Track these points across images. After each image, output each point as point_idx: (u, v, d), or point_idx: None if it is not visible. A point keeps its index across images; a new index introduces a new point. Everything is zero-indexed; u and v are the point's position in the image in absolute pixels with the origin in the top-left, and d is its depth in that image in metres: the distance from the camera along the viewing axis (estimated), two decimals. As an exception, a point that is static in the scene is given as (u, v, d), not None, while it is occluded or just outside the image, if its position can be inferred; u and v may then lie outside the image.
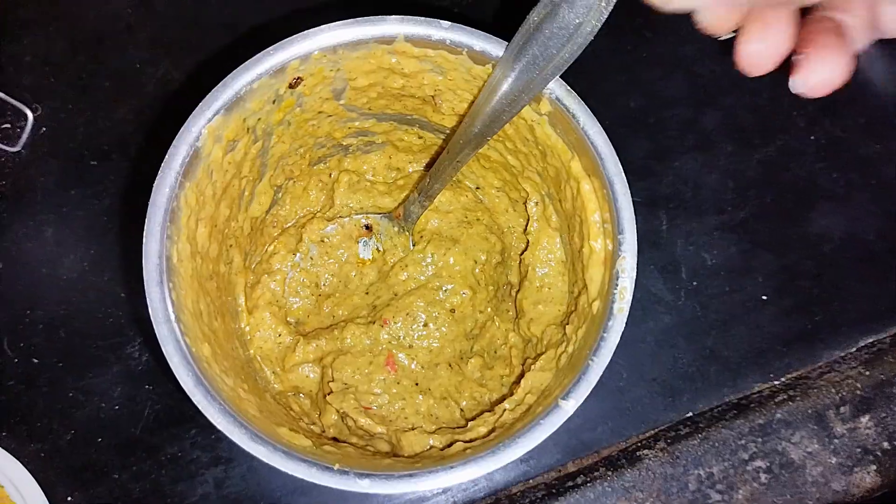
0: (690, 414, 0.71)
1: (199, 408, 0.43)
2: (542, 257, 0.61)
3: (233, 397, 0.46)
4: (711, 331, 0.73)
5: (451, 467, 0.44)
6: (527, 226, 0.62)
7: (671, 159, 0.77)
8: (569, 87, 0.49)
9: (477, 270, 0.64)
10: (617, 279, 0.46)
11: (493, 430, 0.51)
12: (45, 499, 0.66)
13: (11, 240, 0.73)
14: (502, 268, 0.65)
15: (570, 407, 0.44)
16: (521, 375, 0.58)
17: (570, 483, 0.69)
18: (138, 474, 0.68)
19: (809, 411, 0.69)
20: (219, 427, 0.43)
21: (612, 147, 0.48)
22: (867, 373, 0.70)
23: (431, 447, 0.53)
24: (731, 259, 0.74)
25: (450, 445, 0.52)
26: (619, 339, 0.45)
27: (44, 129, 0.76)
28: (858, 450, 0.68)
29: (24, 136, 0.75)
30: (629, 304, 0.46)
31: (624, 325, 0.46)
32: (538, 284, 0.61)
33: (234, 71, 0.49)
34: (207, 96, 0.48)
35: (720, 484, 0.68)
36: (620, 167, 0.48)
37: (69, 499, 0.68)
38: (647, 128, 0.78)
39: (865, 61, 0.78)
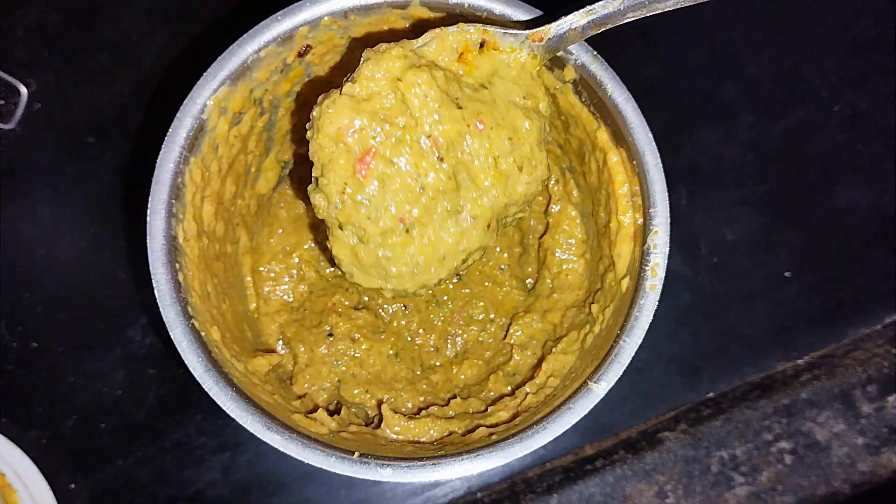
0: (711, 394, 0.69)
1: (211, 395, 0.41)
2: (562, 241, 0.58)
3: (245, 383, 0.44)
4: (732, 308, 0.70)
5: (477, 454, 0.42)
6: (547, 207, 0.60)
7: (690, 131, 0.74)
8: (595, 52, 0.46)
9: (499, 271, 0.62)
10: (648, 255, 0.44)
11: (516, 415, 0.49)
12: (48, 486, 0.64)
13: (7, 220, 0.70)
14: (525, 258, 0.63)
15: (601, 390, 0.42)
16: (542, 359, 0.55)
17: (589, 466, 0.67)
18: (143, 460, 0.67)
19: (835, 390, 0.67)
20: (232, 415, 0.41)
21: (641, 115, 0.45)
22: (894, 350, 0.68)
23: (451, 433, 0.50)
24: (753, 234, 0.72)
25: (471, 431, 0.49)
26: (651, 318, 0.43)
27: (38, 104, 0.73)
28: (886, 429, 0.66)
29: (18, 112, 0.72)
30: (662, 282, 0.44)
31: (657, 303, 0.43)
32: (556, 270, 0.59)
33: (240, 39, 0.46)
34: (212, 66, 0.46)
35: (744, 466, 0.66)
36: (651, 137, 0.45)
37: (72, 486, 0.66)
38: (665, 98, 0.75)
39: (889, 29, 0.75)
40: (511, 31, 0.44)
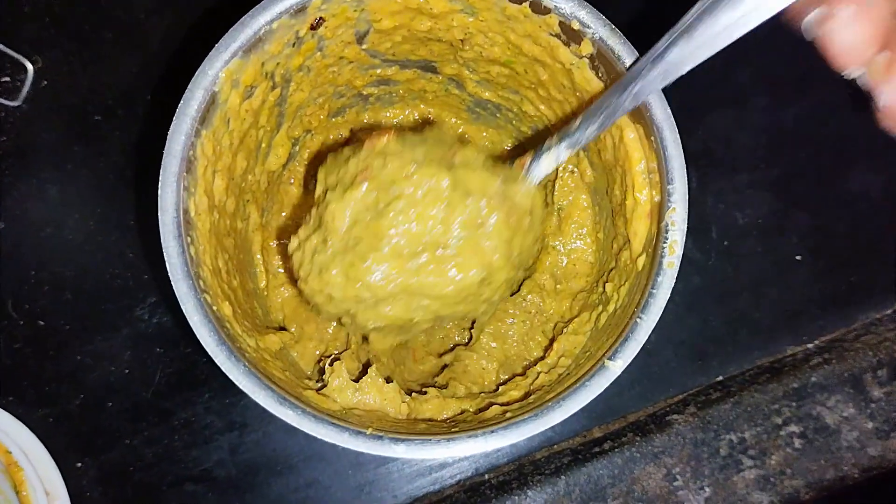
0: (720, 378, 0.68)
1: (224, 370, 0.41)
2: (573, 232, 0.58)
3: (257, 359, 0.44)
4: (743, 292, 0.70)
5: (492, 431, 0.41)
6: (553, 202, 0.59)
7: (702, 114, 0.73)
8: (613, 26, 0.45)
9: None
10: (666, 232, 0.44)
11: (528, 394, 0.49)
12: (55, 465, 0.64)
13: (14, 199, 0.70)
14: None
15: (617, 367, 0.42)
16: (553, 339, 0.55)
17: (597, 448, 0.67)
18: (150, 440, 0.66)
19: (845, 375, 0.67)
20: (245, 390, 0.41)
21: (660, 91, 0.44)
22: (905, 335, 0.68)
23: (464, 411, 0.50)
24: (764, 218, 0.71)
25: (484, 409, 0.49)
26: (668, 295, 0.43)
27: (45, 82, 0.72)
28: (895, 414, 0.66)
29: (25, 89, 0.71)
30: (680, 258, 0.43)
31: (674, 280, 0.43)
32: (564, 261, 0.59)
33: (253, 10, 0.45)
34: (224, 37, 0.45)
35: (752, 449, 0.66)
36: (669, 112, 0.45)
37: (79, 465, 0.66)
38: (677, 81, 0.73)
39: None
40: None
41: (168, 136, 0.44)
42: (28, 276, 0.68)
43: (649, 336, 0.68)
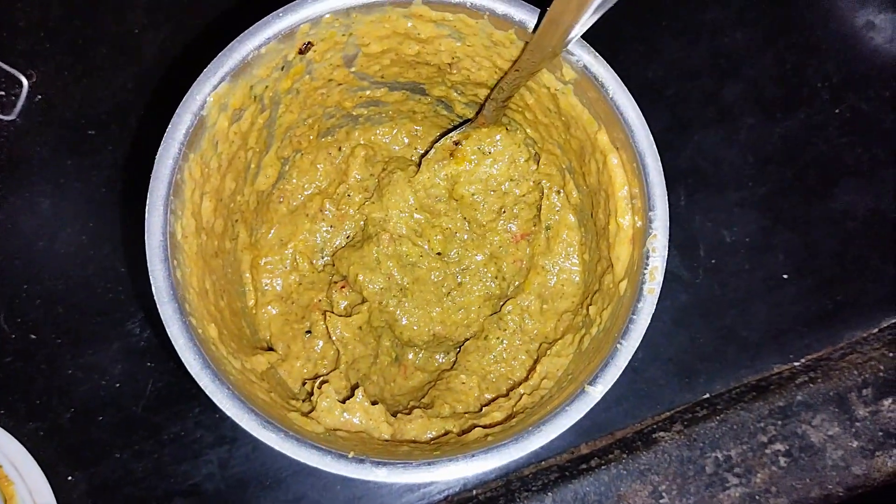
0: (707, 395, 0.69)
1: (207, 392, 0.41)
2: (560, 251, 0.58)
3: (241, 381, 0.44)
4: (730, 310, 0.70)
5: (473, 455, 0.42)
6: (540, 220, 0.60)
7: (690, 132, 0.74)
8: (596, 53, 0.46)
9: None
10: (647, 258, 0.44)
11: (511, 416, 0.49)
12: (45, 478, 0.64)
13: (6, 212, 0.71)
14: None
15: (597, 393, 0.42)
16: (536, 361, 0.55)
17: (584, 465, 0.67)
18: (140, 454, 0.67)
19: (830, 393, 0.67)
20: (228, 413, 0.41)
21: (643, 118, 0.45)
22: (890, 354, 0.68)
23: (447, 433, 0.51)
24: (751, 236, 0.72)
25: (467, 431, 0.50)
26: (649, 321, 0.43)
27: (39, 96, 0.73)
28: (881, 433, 0.66)
29: (19, 104, 0.72)
30: (660, 285, 0.43)
31: (654, 306, 0.43)
32: (553, 281, 0.59)
33: (241, 35, 0.46)
34: (212, 62, 0.45)
35: (738, 467, 0.66)
36: (652, 139, 0.45)
37: (69, 478, 0.66)
38: (666, 100, 0.75)
39: (891, 32, 0.75)
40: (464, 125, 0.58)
41: (155, 161, 0.44)
42: (20, 290, 0.69)
43: (636, 353, 0.68)
